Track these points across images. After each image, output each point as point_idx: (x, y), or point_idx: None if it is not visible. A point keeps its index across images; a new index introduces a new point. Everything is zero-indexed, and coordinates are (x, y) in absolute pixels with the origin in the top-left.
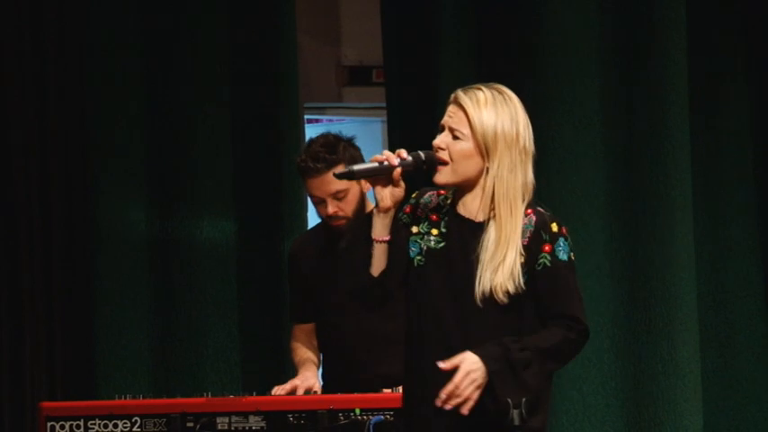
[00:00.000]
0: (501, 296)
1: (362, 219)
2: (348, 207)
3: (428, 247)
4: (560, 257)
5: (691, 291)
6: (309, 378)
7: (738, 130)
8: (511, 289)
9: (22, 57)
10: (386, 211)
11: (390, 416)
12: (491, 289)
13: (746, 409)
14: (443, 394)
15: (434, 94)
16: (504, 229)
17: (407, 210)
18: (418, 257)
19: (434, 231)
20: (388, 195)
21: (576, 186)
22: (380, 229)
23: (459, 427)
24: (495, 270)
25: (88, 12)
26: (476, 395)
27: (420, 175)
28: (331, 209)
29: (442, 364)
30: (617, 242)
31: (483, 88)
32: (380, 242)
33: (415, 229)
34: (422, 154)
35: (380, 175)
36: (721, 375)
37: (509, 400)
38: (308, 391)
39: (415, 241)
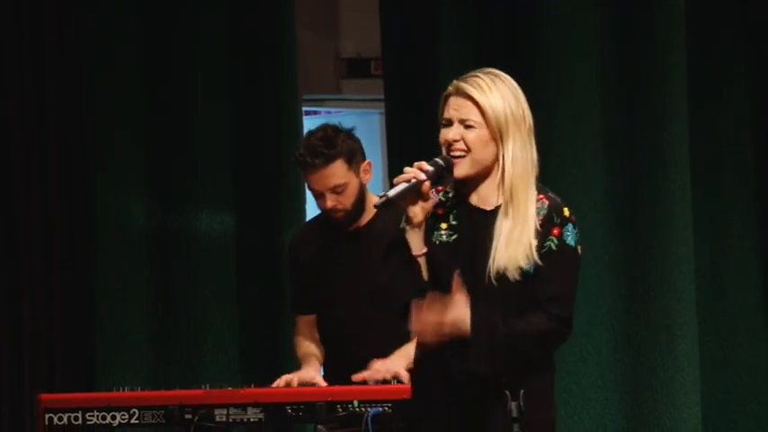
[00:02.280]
0: (513, 272)
1: (386, 228)
2: (347, 200)
3: (440, 241)
4: (567, 242)
5: (689, 284)
6: (309, 372)
7: (738, 123)
8: (524, 264)
9: (22, 56)
10: (419, 225)
11: (389, 408)
12: (504, 265)
13: (745, 401)
14: (416, 321)
15: (433, 86)
16: (519, 207)
17: None
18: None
19: (443, 225)
20: (419, 210)
21: (576, 180)
22: (417, 243)
23: (467, 415)
24: (509, 246)
25: (88, 11)
26: (431, 339)
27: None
28: (330, 202)
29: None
30: (616, 235)
31: (479, 74)
32: (421, 255)
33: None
34: (440, 161)
35: (413, 194)
36: (720, 368)
37: (507, 393)
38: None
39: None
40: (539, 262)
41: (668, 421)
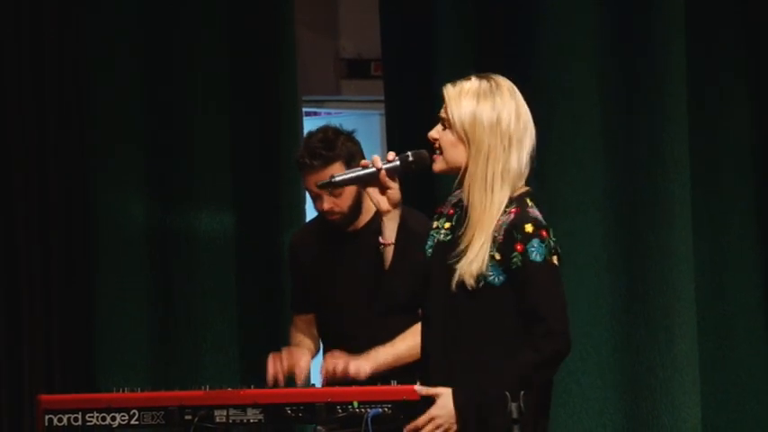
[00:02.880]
0: (468, 279)
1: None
2: (344, 203)
3: (437, 240)
4: (532, 258)
5: (689, 283)
6: (298, 352)
7: (738, 123)
8: (474, 270)
9: (22, 56)
10: (386, 213)
11: (389, 408)
12: (460, 274)
13: (745, 401)
14: (406, 430)
15: (432, 87)
16: (473, 213)
17: (437, 210)
18: (429, 250)
19: (447, 225)
20: (383, 199)
21: (575, 179)
22: (389, 233)
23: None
24: (464, 253)
25: (88, 11)
26: None
27: (418, 174)
28: (327, 205)
29: (419, 389)
30: (615, 235)
31: (472, 78)
32: (389, 245)
33: (434, 225)
34: (410, 154)
35: (364, 181)
36: (719, 368)
37: (507, 393)
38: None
39: (431, 235)
40: (491, 273)
41: (667, 421)
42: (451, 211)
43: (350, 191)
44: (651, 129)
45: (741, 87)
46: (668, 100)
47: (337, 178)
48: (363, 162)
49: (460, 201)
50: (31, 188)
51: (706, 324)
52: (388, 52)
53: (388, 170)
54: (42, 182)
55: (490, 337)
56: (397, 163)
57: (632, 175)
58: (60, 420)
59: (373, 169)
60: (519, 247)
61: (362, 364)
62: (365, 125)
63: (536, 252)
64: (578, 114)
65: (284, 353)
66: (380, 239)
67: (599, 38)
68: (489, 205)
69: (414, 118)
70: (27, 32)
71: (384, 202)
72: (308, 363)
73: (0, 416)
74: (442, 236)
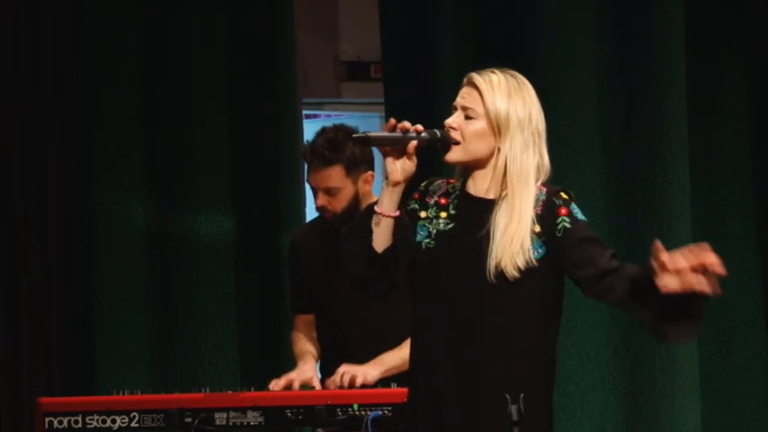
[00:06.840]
0: (511, 270)
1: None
2: (338, 204)
3: (437, 230)
4: (579, 217)
5: None
6: (307, 371)
7: (737, 126)
8: (521, 263)
9: (21, 56)
10: (395, 184)
11: (388, 411)
12: (502, 263)
13: (745, 404)
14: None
15: (432, 89)
16: (516, 204)
17: (416, 196)
18: (427, 240)
19: (443, 214)
20: (399, 169)
21: (574, 182)
22: (388, 204)
23: (462, 420)
24: (506, 245)
25: (87, 11)
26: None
27: (431, 153)
28: (320, 201)
29: None
30: (614, 238)
31: (497, 72)
32: (387, 217)
33: (423, 214)
34: (437, 132)
35: (395, 146)
36: (719, 371)
37: (507, 396)
38: (304, 386)
39: (424, 225)
40: (534, 261)
41: (668, 423)
42: (444, 201)
43: (346, 194)
44: (650, 130)
45: (741, 87)
46: (668, 100)
47: (372, 135)
48: (399, 125)
49: (452, 192)
50: (30, 188)
51: (706, 327)
52: (388, 55)
53: (417, 140)
54: (42, 182)
55: (528, 320)
56: (426, 135)
57: (632, 176)
58: (60, 423)
59: (413, 134)
60: (563, 210)
61: (369, 372)
62: (365, 127)
63: (579, 213)
64: (577, 116)
65: (296, 377)
66: (377, 209)
67: (599, 38)
68: (529, 197)
69: (414, 120)
70: (26, 32)
71: (399, 172)
72: (317, 377)
73: (0, 419)
74: (441, 226)
